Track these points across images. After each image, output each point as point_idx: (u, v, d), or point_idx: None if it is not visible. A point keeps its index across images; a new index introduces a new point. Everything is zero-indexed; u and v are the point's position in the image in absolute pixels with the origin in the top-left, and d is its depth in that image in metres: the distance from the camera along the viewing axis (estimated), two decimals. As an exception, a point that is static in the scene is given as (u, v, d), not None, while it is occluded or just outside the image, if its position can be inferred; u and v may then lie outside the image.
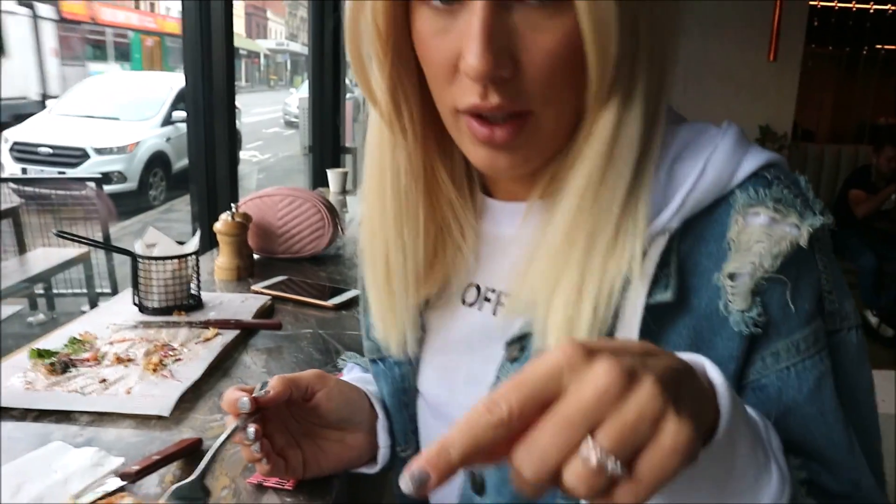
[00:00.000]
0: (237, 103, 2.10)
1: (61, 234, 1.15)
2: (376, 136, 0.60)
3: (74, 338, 0.99)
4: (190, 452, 0.72)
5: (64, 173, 7.08)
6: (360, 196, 0.66)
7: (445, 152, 0.60)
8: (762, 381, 0.52)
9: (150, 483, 0.67)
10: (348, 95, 5.04)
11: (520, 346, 0.57)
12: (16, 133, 7.82)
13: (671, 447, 0.32)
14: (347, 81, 5.12)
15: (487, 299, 0.62)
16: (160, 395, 0.84)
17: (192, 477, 0.60)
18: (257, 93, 24.95)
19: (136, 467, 0.65)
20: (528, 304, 0.54)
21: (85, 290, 4.33)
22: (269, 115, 16.35)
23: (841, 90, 7.38)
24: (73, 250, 4.20)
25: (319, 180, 3.11)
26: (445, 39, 0.50)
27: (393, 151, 0.59)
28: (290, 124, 14.60)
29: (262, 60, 32.12)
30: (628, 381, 0.33)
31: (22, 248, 4.37)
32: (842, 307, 0.54)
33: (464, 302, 0.64)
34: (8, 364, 0.91)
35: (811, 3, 4.57)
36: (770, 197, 0.52)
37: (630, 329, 0.51)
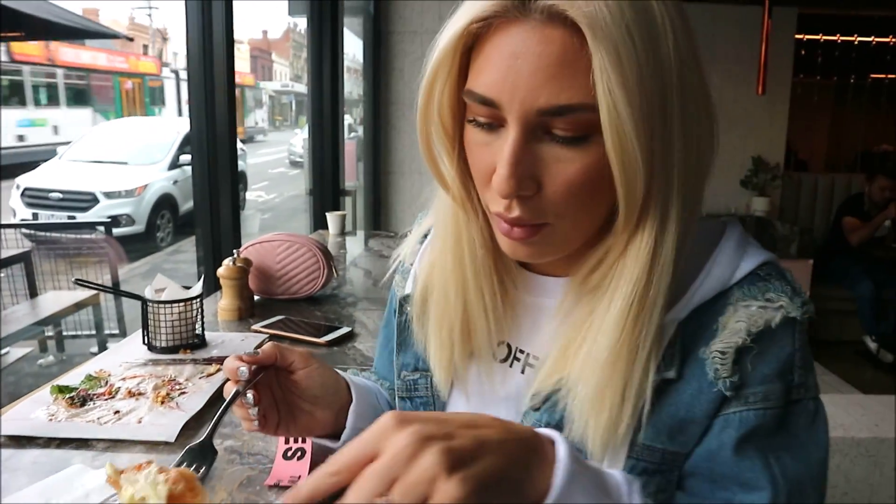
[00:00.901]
0: (242, 145, 2.21)
1: (79, 282, 1.27)
2: (450, 214, 0.68)
3: (90, 375, 1.10)
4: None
5: (74, 217, 7.20)
6: (412, 250, 0.79)
7: None
8: (713, 421, 0.60)
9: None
10: (351, 135, 5.16)
11: (543, 397, 0.65)
12: (27, 179, 7.95)
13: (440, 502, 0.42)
14: (350, 121, 5.25)
15: (517, 359, 0.71)
16: (167, 424, 0.95)
17: (202, 438, 0.71)
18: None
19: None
20: (560, 381, 0.62)
21: (94, 332, 4.41)
22: (275, 156, 16.53)
23: (832, 119, 7.51)
24: (83, 293, 4.30)
25: (319, 223, 3.21)
26: (486, 151, 0.58)
27: (468, 228, 0.67)
28: (294, 164, 14.80)
29: (268, 101, 32.63)
30: (419, 447, 0.42)
31: (33, 292, 4.47)
32: (807, 380, 0.61)
33: (494, 357, 0.72)
34: (31, 399, 1.02)
35: (797, 36, 4.70)
36: (761, 291, 0.60)
37: (645, 408, 0.59)
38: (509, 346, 0.71)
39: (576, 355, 0.61)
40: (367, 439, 0.44)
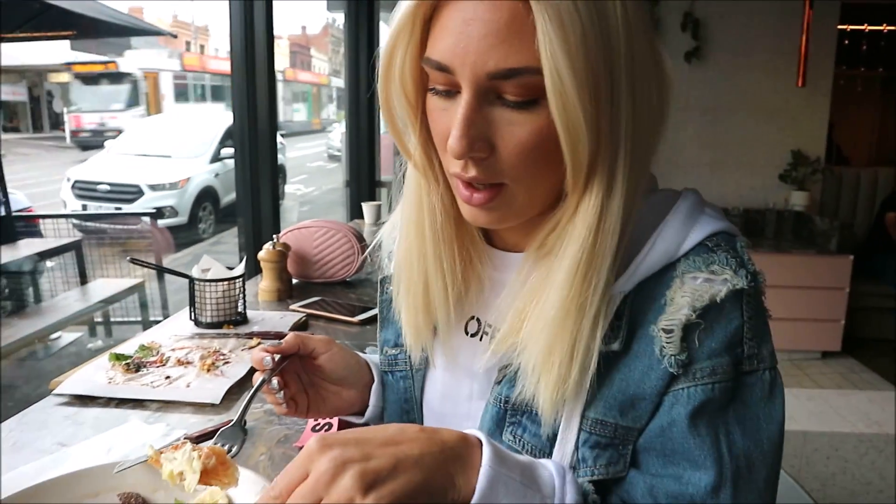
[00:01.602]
0: (281, 139, 2.31)
1: (133, 261, 1.37)
2: (413, 183, 0.70)
3: (143, 345, 1.20)
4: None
5: (120, 209, 7.44)
6: (392, 231, 0.79)
7: None
8: (663, 397, 0.61)
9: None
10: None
11: (504, 371, 0.67)
12: (77, 171, 8.21)
13: None
14: (386, 117, 5.33)
15: (486, 333, 0.73)
16: (212, 388, 1.04)
17: (232, 423, 0.79)
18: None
19: (196, 434, 0.84)
20: (514, 346, 0.63)
21: (139, 319, 4.58)
22: (314, 150, 16.72)
23: (877, 112, 7.31)
24: (130, 280, 4.47)
25: (356, 213, 3.29)
26: (444, 116, 0.60)
27: (429, 195, 0.68)
28: (333, 158, 14.95)
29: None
30: (338, 471, 0.47)
31: (83, 279, 4.67)
32: (759, 351, 0.61)
33: (466, 332, 0.74)
34: (93, 365, 1.12)
35: (840, 27, 4.60)
36: (706, 262, 0.61)
37: (589, 372, 0.60)
38: (479, 321, 0.74)
39: (528, 318, 0.63)
40: (298, 463, 0.50)
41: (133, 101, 15.65)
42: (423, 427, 0.53)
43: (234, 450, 0.76)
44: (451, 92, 0.59)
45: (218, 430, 0.87)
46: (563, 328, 0.59)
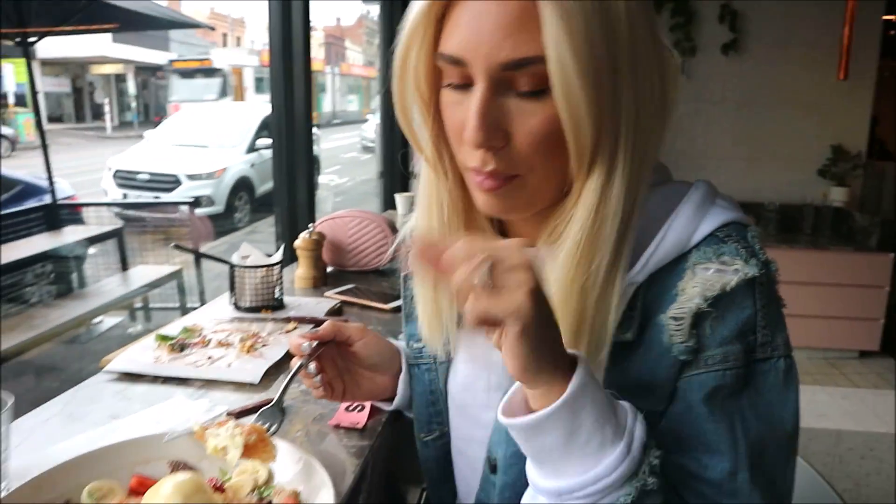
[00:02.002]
0: (316, 130, 2.35)
1: (177, 247, 1.42)
2: (426, 178, 0.73)
3: (186, 327, 1.25)
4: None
5: (159, 198, 7.60)
6: (415, 217, 0.79)
7: None
8: (677, 384, 0.63)
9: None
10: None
11: None
12: (118, 161, 8.41)
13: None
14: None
15: None
16: (252, 369, 1.09)
17: (272, 403, 0.83)
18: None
19: (237, 410, 0.89)
20: None
21: (178, 305, 4.70)
22: (348, 141, 16.84)
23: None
24: (169, 267, 4.59)
25: (389, 204, 3.33)
26: (458, 110, 0.62)
27: (438, 189, 0.71)
28: (366, 149, 15.06)
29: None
30: (523, 270, 0.51)
31: (124, 266, 4.81)
32: (773, 339, 0.63)
33: None
34: (140, 345, 1.18)
35: (885, 17, 4.48)
36: (716, 253, 0.62)
37: (602, 359, 0.62)
38: None
39: None
40: (499, 241, 0.53)
41: (223, 93, 18.07)
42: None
43: (273, 428, 0.81)
44: (466, 86, 0.61)
45: (257, 407, 0.92)
46: (565, 309, 0.61)
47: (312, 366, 0.83)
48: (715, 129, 4.30)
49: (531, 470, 0.59)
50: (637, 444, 0.56)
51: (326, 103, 29.18)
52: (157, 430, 0.81)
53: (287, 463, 0.76)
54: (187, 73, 18.65)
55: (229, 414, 0.89)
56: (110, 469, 0.74)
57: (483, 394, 0.79)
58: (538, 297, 0.52)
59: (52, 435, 0.88)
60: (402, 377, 0.92)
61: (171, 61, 19.71)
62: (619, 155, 0.60)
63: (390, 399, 0.94)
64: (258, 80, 21.82)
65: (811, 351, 3.94)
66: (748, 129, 4.32)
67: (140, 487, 0.72)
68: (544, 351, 0.53)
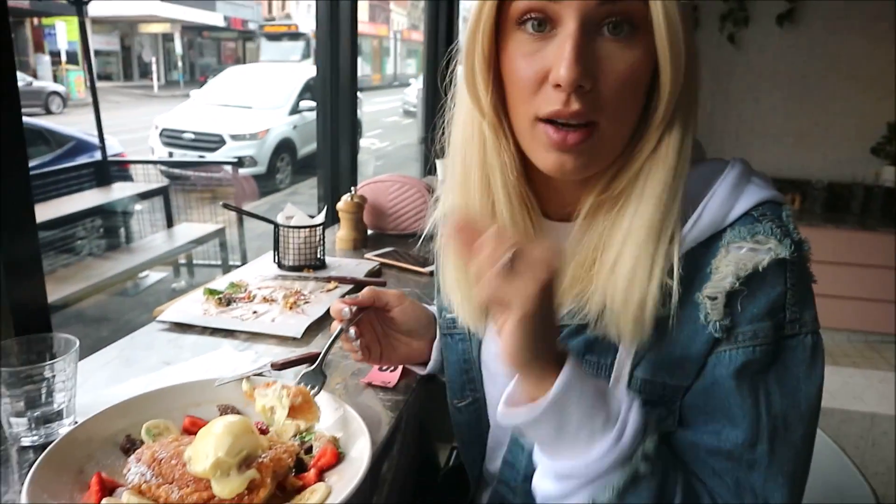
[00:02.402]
0: (359, 93, 2.36)
1: (226, 206, 1.48)
2: (477, 143, 0.70)
3: (233, 283, 1.31)
4: (313, 360, 1.00)
5: (203, 157, 7.73)
6: (450, 190, 0.76)
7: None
8: (707, 359, 0.65)
9: (287, 375, 0.95)
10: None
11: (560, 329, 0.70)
12: (165, 120, 8.54)
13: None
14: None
15: None
16: (294, 324, 1.14)
17: (314, 366, 0.87)
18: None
19: (281, 362, 0.94)
20: (583, 293, 0.67)
21: (219, 262, 4.81)
22: (390, 105, 16.81)
23: None
24: (212, 226, 4.70)
25: (430, 169, 3.35)
26: (535, 59, 0.62)
27: (499, 153, 0.69)
28: (408, 114, 15.04)
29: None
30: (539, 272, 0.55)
31: (170, 223, 4.94)
32: (802, 316, 0.64)
33: None
34: (189, 298, 1.24)
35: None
36: (750, 232, 0.63)
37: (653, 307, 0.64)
38: None
39: (599, 260, 0.66)
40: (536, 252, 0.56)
41: (306, 54, 20.25)
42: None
43: (315, 390, 0.85)
44: (545, 29, 0.61)
45: (300, 360, 0.97)
46: (645, 253, 0.63)
47: (352, 330, 0.87)
48: (764, 104, 4.19)
49: (536, 451, 0.64)
50: (629, 431, 0.59)
51: (388, 66, 31.00)
52: (207, 376, 0.86)
53: (327, 411, 0.81)
54: (275, 37, 21.08)
55: (273, 365, 0.94)
56: (165, 409, 0.80)
57: None
58: (547, 292, 0.55)
59: (111, 377, 0.94)
60: (436, 344, 0.95)
61: (262, 25, 22.15)
62: (692, 111, 0.63)
63: (424, 363, 0.97)
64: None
65: (851, 333, 3.88)
66: (800, 104, 4.19)
67: (192, 427, 0.77)
68: (538, 343, 0.58)
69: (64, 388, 0.77)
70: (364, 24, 26.78)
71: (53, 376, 0.75)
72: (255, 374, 0.88)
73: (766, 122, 4.22)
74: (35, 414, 0.75)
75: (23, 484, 0.63)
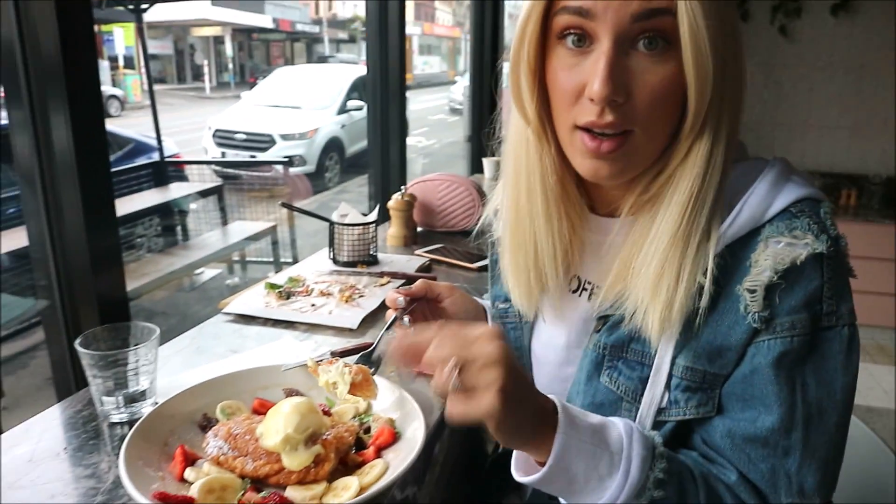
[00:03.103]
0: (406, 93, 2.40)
1: (284, 205, 1.55)
2: (523, 147, 0.75)
3: (292, 277, 1.38)
4: (365, 349, 1.06)
5: (255, 157, 7.92)
6: (501, 192, 0.84)
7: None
8: (747, 349, 0.67)
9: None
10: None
11: (604, 321, 0.76)
12: (217, 121, 8.76)
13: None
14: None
15: (585, 289, 0.82)
16: (350, 316, 1.20)
17: (371, 349, 0.93)
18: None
19: (340, 350, 1.00)
20: (619, 294, 0.71)
21: (272, 259, 4.94)
22: (436, 103, 16.84)
23: None
24: (264, 224, 4.83)
25: (476, 167, 3.38)
26: (573, 72, 0.66)
27: (541, 157, 0.74)
28: (454, 111, 15.06)
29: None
30: (495, 357, 0.59)
31: (224, 221, 5.09)
32: (838, 309, 0.66)
33: (569, 288, 0.83)
34: (252, 291, 1.32)
35: None
36: (788, 228, 0.66)
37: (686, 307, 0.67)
38: (579, 279, 0.83)
39: (634, 261, 0.70)
40: (475, 333, 0.61)
41: None
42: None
43: (373, 370, 0.91)
44: (584, 43, 0.65)
45: (357, 349, 1.03)
46: (671, 256, 0.67)
47: (406, 319, 0.93)
48: (819, 97, 4.10)
49: None
50: (636, 464, 0.63)
51: (460, 64, 33.09)
52: (272, 363, 0.93)
53: (384, 394, 0.87)
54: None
55: (333, 354, 1.00)
56: (236, 392, 0.87)
57: (563, 351, 0.85)
58: (507, 391, 0.59)
59: (185, 362, 1.02)
60: None
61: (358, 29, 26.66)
62: (724, 120, 0.65)
63: None
64: (422, 46, 28.99)
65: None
66: (856, 97, 4.08)
67: (261, 408, 0.84)
68: (523, 428, 0.62)
69: (146, 371, 0.85)
70: (441, 27, 30.46)
71: (137, 360, 0.83)
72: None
73: (821, 114, 4.13)
74: (122, 394, 0.83)
75: (116, 454, 0.71)
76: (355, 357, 0.94)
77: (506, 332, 0.94)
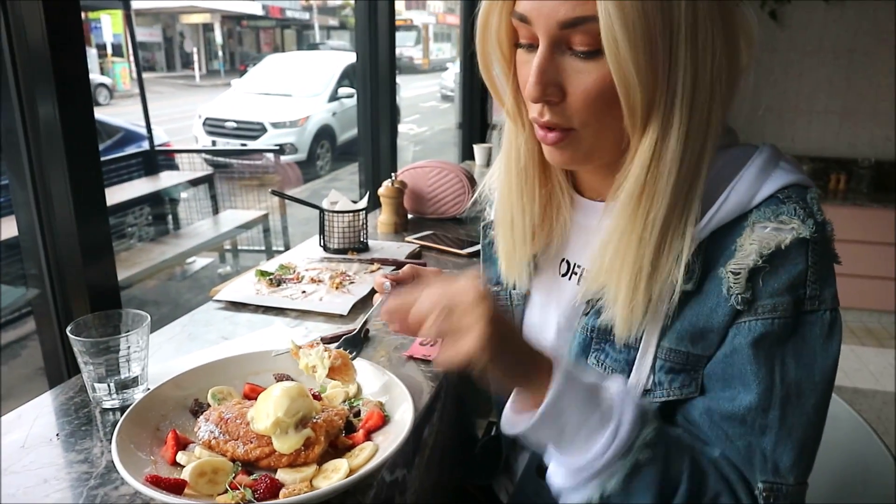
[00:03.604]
0: (396, 79, 2.40)
1: (274, 192, 1.55)
2: (507, 132, 0.80)
3: (283, 265, 1.39)
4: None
5: (245, 145, 7.86)
6: (492, 179, 0.89)
7: None
8: (728, 330, 0.69)
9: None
10: (499, 72, 5.21)
11: (591, 304, 0.77)
12: (207, 109, 8.70)
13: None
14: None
15: (574, 272, 0.83)
16: (341, 302, 1.21)
17: (354, 332, 0.94)
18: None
19: (330, 336, 1.01)
20: (600, 281, 0.72)
21: (263, 248, 4.94)
22: (427, 90, 16.77)
23: None
24: (255, 212, 4.82)
25: (467, 154, 3.39)
26: (526, 67, 0.69)
27: (516, 139, 0.78)
28: (446, 98, 15.00)
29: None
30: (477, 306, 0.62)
31: (215, 210, 5.08)
32: (821, 293, 0.67)
33: (558, 272, 0.85)
34: (243, 278, 1.32)
35: None
36: (775, 213, 0.66)
37: (668, 308, 0.69)
38: (569, 263, 0.84)
39: (606, 251, 0.71)
40: (452, 282, 0.63)
41: (417, 41, 25.64)
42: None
43: (353, 354, 0.92)
44: (533, 46, 0.68)
45: (346, 333, 1.04)
46: (626, 255, 0.68)
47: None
48: (808, 81, 4.11)
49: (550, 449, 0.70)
50: (625, 426, 0.64)
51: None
52: (262, 349, 0.94)
53: (373, 380, 0.88)
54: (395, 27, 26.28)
55: (323, 339, 1.01)
56: (227, 377, 0.88)
57: (554, 335, 0.86)
58: (490, 330, 0.60)
59: (176, 349, 1.03)
60: None
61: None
62: (676, 115, 0.64)
63: None
64: (436, 34, 30.02)
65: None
66: (846, 80, 4.10)
67: (251, 393, 0.85)
68: (513, 367, 0.64)
69: (138, 357, 0.86)
70: (454, 17, 30.83)
71: (129, 347, 0.84)
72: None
73: (811, 99, 4.15)
74: (114, 380, 0.84)
75: (108, 440, 0.72)
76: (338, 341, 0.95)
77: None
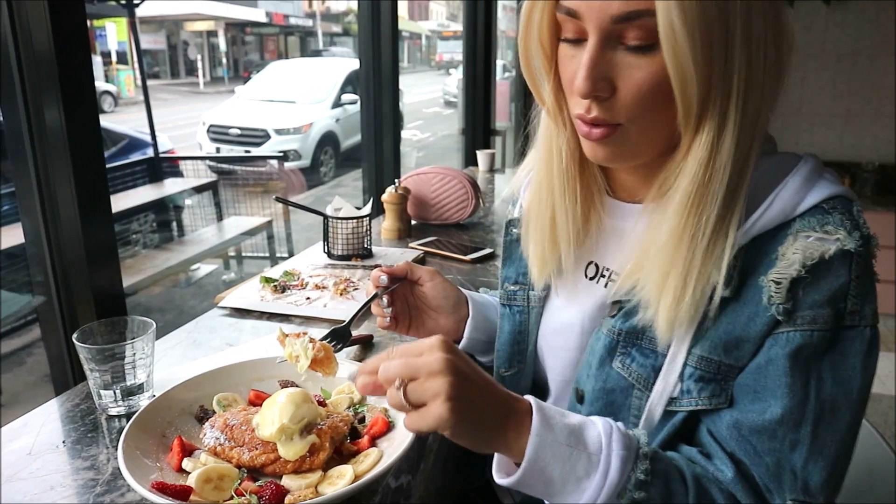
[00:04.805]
0: (399, 85, 2.40)
1: (278, 199, 1.56)
2: (545, 128, 0.78)
3: (287, 271, 1.39)
4: (363, 341, 1.08)
5: (249, 152, 7.88)
6: (523, 175, 0.88)
7: None
8: (765, 340, 0.66)
9: (340, 356, 1.02)
10: (506, 75, 5.23)
11: (618, 307, 0.75)
12: (211, 116, 8.72)
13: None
14: (505, 63, 5.32)
15: (603, 276, 0.81)
16: (345, 309, 1.21)
17: (344, 324, 0.95)
18: (419, 73, 25.98)
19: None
20: (635, 283, 0.70)
21: (267, 254, 4.95)
22: (430, 95, 16.79)
23: None
24: (259, 219, 4.84)
25: (470, 160, 3.39)
26: (572, 62, 0.67)
27: (557, 139, 0.76)
28: (449, 104, 15.01)
29: (424, 41, 33.38)
30: (443, 370, 0.60)
31: (219, 217, 5.09)
32: (862, 309, 0.65)
33: (586, 275, 0.83)
34: (247, 285, 1.33)
35: None
36: (820, 223, 0.65)
37: (702, 305, 0.67)
38: (597, 266, 0.83)
39: (647, 255, 0.69)
40: (419, 346, 0.62)
41: None
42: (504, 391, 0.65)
43: (339, 347, 0.92)
44: (579, 40, 0.66)
45: (350, 342, 1.04)
46: (676, 255, 0.66)
47: (385, 297, 0.95)
48: (811, 84, 4.11)
49: None
50: (615, 464, 0.62)
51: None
52: (267, 355, 0.94)
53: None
54: (445, 37, 30.61)
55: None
56: (232, 384, 0.88)
57: (576, 337, 0.84)
58: (454, 399, 0.59)
59: (182, 355, 1.03)
60: (470, 322, 0.99)
61: (441, 31, 32.23)
62: (731, 113, 0.63)
63: (454, 342, 1.03)
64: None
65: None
66: (848, 84, 4.09)
67: (256, 399, 0.86)
68: (484, 431, 0.62)
69: (143, 364, 0.86)
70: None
71: (134, 354, 0.84)
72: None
73: (813, 102, 4.14)
74: (120, 387, 0.84)
75: (114, 446, 0.72)
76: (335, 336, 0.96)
77: (511, 315, 0.94)
